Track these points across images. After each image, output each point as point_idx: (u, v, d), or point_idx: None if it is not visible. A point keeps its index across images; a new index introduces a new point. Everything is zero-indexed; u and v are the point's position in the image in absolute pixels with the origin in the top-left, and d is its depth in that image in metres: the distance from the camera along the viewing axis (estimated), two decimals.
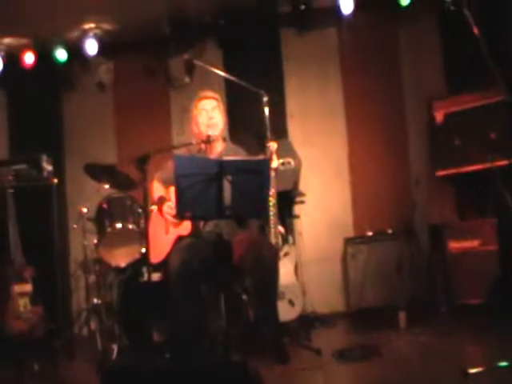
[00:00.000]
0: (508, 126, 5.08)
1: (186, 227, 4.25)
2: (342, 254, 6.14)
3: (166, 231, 4.37)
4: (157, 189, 4.53)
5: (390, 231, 5.89)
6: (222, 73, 5.08)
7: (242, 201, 3.55)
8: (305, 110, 6.57)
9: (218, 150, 4.45)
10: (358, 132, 6.45)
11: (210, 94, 4.50)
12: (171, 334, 4.51)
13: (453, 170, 5.54)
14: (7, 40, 6.60)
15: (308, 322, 5.62)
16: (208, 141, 4.31)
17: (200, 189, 3.48)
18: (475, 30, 3.30)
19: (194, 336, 4.02)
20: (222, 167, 3.49)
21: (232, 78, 4.80)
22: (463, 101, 5.54)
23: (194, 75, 5.16)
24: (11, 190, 5.33)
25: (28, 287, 5.13)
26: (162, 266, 4.40)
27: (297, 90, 6.61)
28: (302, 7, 6.35)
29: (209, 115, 4.38)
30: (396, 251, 5.66)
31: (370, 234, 5.94)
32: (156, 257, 4.29)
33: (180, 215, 3.65)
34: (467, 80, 5.65)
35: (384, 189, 6.31)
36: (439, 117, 5.60)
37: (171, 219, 4.24)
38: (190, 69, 4.94)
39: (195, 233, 4.22)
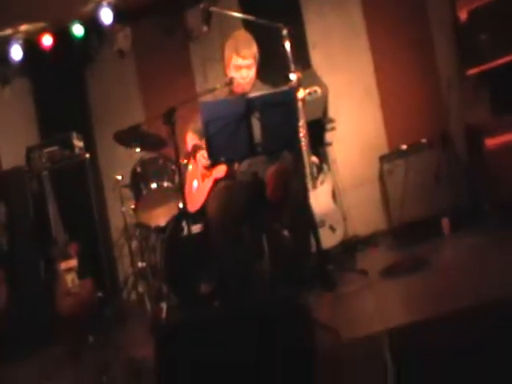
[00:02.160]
0: None
1: (221, 170, 4.21)
2: (379, 173, 6.01)
3: (202, 179, 4.34)
4: (191, 140, 4.48)
5: (424, 141, 5.70)
6: (239, 14, 5.03)
7: (273, 135, 3.47)
8: (326, 37, 6.42)
9: (247, 90, 4.30)
10: (383, 47, 6.26)
11: (245, 51, 4.19)
12: (218, 282, 4.49)
13: (483, 66, 5.31)
14: (23, 27, 6.59)
15: (351, 245, 5.62)
16: (231, 82, 4.22)
17: (229, 131, 3.43)
18: None
19: (240, 279, 3.98)
20: (249, 104, 3.43)
21: (249, 17, 4.71)
22: None
23: (212, 23, 5.06)
24: (46, 173, 5.34)
25: (73, 262, 5.15)
26: (201, 216, 4.35)
27: (316, 19, 6.45)
28: None
29: (241, 75, 4.22)
30: (433, 160, 5.49)
31: (405, 147, 5.75)
32: (194, 205, 4.27)
33: (214, 160, 3.58)
34: None
35: (415, 99, 6.14)
36: (463, 15, 5.40)
37: (203, 168, 4.21)
38: (206, 18, 4.81)
39: (230, 175, 4.18)
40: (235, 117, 3.42)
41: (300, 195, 4.03)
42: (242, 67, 4.21)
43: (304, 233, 4.11)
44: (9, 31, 6.56)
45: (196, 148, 4.30)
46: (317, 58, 6.41)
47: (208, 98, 4.33)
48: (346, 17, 6.40)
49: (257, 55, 4.26)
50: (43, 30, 6.70)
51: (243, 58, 4.20)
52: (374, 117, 6.29)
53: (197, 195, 4.27)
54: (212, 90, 4.30)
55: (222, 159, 3.63)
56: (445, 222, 5.20)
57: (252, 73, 4.25)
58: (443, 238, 5.15)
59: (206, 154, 4.05)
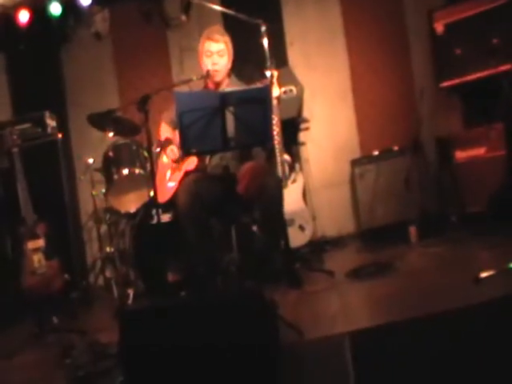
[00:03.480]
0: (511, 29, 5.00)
1: (192, 162, 4.21)
2: (350, 176, 6.08)
3: (172, 171, 4.35)
4: (164, 130, 4.49)
5: (396, 148, 5.78)
6: (218, 7, 5.00)
7: (246, 130, 3.50)
8: (304, 36, 6.44)
9: (223, 86, 4.33)
10: (360, 51, 6.31)
11: (217, 35, 4.27)
12: (185, 272, 4.53)
13: (456, 80, 5.42)
14: (1, 0, 6.49)
15: (319, 246, 5.68)
16: (207, 75, 4.22)
17: (203, 123, 3.45)
18: None
19: (208, 270, 3.99)
20: (224, 99, 3.44)
21: (229, 11, 4.73)
22: (463, 9, 5.39)
23: (191, 13, 5.06)
24: (16, 150, 5.29)
25: (41, 242, 5.13)
26: (171, 206, 4.38)
27: (295, 17, 6.47)
28: None
29: (213, 60, 4.23)
30: (404, 167, 5.58)
31: (376, 153, 5.84)
32: (164, 196, 4.28)
33: (185, 152, 3.60)
34: None
35: (388, 106, 6.21)
36: (439, 27, 5.48)
37: (172, 163, 4.24)
38: (186, 7, 4.82)
39: (201, 167, 4.18)
40: (209, 110, 3.43)
41: (275, 192, 4.02)
42: (213, 53, 4.22)
43: (275, 230, 4.12)
44: None
45: (167, 142, 4.33)
46: (293, 56, 6.43)
47: (183, 88, 4.33)
48: (325, 16, 6.42)
49: (229, 45, 4.28)
50: (20, 5, 6.61)
51: (215, 41, 4.22)
52: (347, 119, 6.34)
53: (167, 187, 4.27)
54: (188, 81, 4.30)
55: (194, 151, 3.64)
56: (412, 230, 5.29)
57: (223, 61, 4.25)
58: (410, 244, 5.23)
59: (175, 149, 4.18)
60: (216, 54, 4.23)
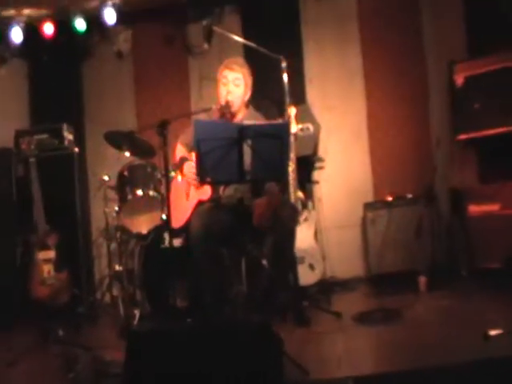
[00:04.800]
0: None
1: (206, 192, 4.24)
2: (362, 220, 6.10)
3: (186, 196, 4.37)
4: (180, 150, 4.52)
5: (409, 196, 5.83)
6: (240, 39, 5.05)
7: (262, 165, 3.56)
8: (323, 74, 6.49)
9: (240, 117, 4.36)
10: (378, 95, 6.35)
11: (235, 65, 4.32)
12: (192, 299, 4.54)
13: (473, 134, 5.43)
14: (27, 11, 6.63)
15: (328, 286, 5.65)
16: (226, 107, 4.26)
17: (220, 153, 3.50)
18: None
19: (215, 299, 4.02)
20: (242, 132, 3.50)
21: (250, 43, 4.78)
22: (484, 63, 5.41)
23: (213, 42, 5.13)
24: (33, 159, 5.37)
25: (51, 254, 5.22)
26: (183, 231, 4.41)
27: (315, 54, 6.53)
28: None
29: (229, 89, 4.27)
30: (416, 216, 5.61)
31: (390, 198, 5.88)
32: (177, 222, 4.29)
33: (201, 179, 3.65)
34: (489, 41, 5.55)
35: (404, 153, 6.24)
36: (459, 80, 5.49)
37: (193, 178, 4.15)
38: (208, 35, 4.91)
39: (215, 198, 4.21)
40: (227, 141, 3.48)
41: (289, 223, 4.07)
42: (229, 81, 4.26)
43: (285, 264, 4.17)
44: (12, 12, 6.59)
45: (183, 160, 4.34)
46: (312, 93, 6.47)
47: (201, 116, 4.37)
48: (345, 56, 6.47)
49: (247, 76, 4.32)
50: (46, 18, 6.73)
51: (232, 70, 4.27)
52: (362, 162, 6.37)
53: (181, 213, 4.30)
54: (207, 110, 4.35)
55: (209, 180, 3.68)
56: (422, 280, 5.26)
57: (239, 91, 4.28)
58: (418, 294, 5.20)
59: (193, 165, 4.07)
60: (232, 83, 4.27)
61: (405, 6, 6.28)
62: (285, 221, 4.04)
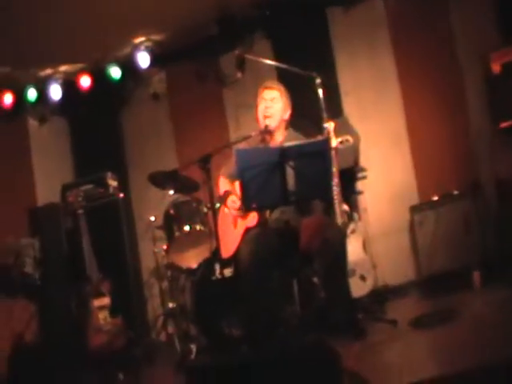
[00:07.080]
0: None
1: (253, 218, 4.23)
2: (409, 223, 6.00)
3: (234, 225, 4.37)
4: (223, 184, 4.53)
5: (456, 192, 5.70)
6: (272, 62, 5.09)
7: (307, 184, 3.55)
8: (359, 85, 6.44)
9: (280, 139, 4.36)
10: (414, 98, 6.26)
11: (272, 84, 4.43)
12: (247, 326, 4.48)
13: None
14: (63, 67, 6.80)
15: (381, 294, 5.59)
16: (266, 131, 4.29)
17: (264, 178, 3.50)
18: None
19: (269, 325, 3.96)
20: (283, 154, 3.51)
21: (283, 65, 4.80)
22: None
23: (245, 69, 5.15)
24: (81, 211, 5.46)
25: (106, 300, 5.25)
26: (232, 260, 4.40)
27: (348, 66, 6.49)
28: None
29: (266, 105, 4.30)
30: (464, 211, 5.49)
31: (436, 198, 5.75)
32: (227, 252, 4.29)
33: (246, 207, 3.66)
34: None
35: (446, 150, 6.10)
36: (496, 67, 5.42)
37: (235, 212, 4.23)
38: (240, 64, 4.95)
39: (262, 223, 4.19)
40: (269, 165, 3.49)
41: (338, 247, 4.03)
42: (266, 100, 4.30)
43: (338, 283, 4.09)
44: (49, 71, 6.78)
45: (227, 194, 4.35)
46: (348, 106, 6.43)
47: (241, 144, 4.37)
48: (378, 64, 6.41)
49: (284, 94, 4.36)
50: (82, 71, 6.89)
51: (268, 88, 4.34)
52: (404, 166, 6.27)
53: (230, 242, 4.29)
54: (247, 138, 4.34)
55: (254, 206, 3.68)
56: (476, 275, 5.15)
57: (277, 107, 4.31)
58: (473, 290, 5.11)
59: (235, 198, 4.19)
60: (269, 101, 4.31)
61: (432, 3, 6.17)
62: (332, 244, 4.00)
